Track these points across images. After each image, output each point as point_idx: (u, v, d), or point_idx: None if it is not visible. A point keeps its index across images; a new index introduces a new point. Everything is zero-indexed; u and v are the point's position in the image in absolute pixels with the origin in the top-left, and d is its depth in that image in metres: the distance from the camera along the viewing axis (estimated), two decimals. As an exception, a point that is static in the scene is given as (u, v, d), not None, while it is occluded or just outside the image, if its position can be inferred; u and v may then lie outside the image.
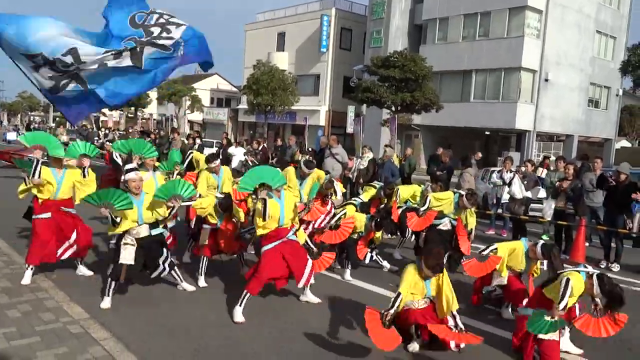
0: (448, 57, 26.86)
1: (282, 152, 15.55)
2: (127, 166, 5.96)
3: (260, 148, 15.99)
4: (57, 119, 61.60)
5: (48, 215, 6.12)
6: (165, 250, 5.87)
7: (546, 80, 25.95)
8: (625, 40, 29.49)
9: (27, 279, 5.96)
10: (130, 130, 24.00)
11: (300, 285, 5.58)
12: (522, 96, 25.54)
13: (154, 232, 5.77)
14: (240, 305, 5.34)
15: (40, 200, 6.13)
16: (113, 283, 5.53)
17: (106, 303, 5.45)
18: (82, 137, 19.54)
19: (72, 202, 6.37)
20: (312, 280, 5.77)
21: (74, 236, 6.31)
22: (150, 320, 5.23)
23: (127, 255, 5.54)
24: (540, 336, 4.44)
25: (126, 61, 6.78)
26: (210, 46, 7.54)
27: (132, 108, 45.66)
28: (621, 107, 32.47)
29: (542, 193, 10.83)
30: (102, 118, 45.05)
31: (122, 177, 5.74)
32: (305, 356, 4.63)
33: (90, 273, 6.52)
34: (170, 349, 4.61)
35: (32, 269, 6.03)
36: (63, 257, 6.29)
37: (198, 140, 19.15)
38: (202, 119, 47.24)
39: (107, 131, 27.00)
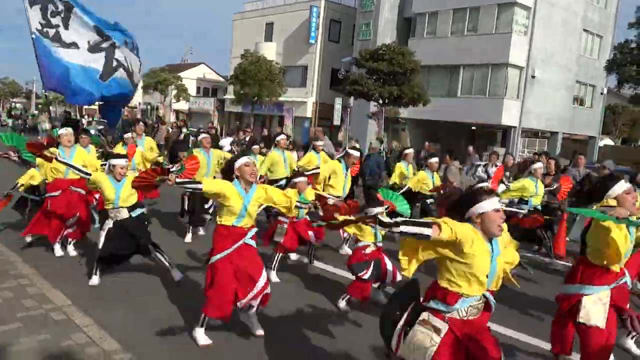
0: (436, 52, 26.88)
1: (268, 142, 15.50)
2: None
3: (247, 138, 15.93)
4: (40, 105, 60.70)
5: (57, 193, 6.53)
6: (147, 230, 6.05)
7: (533, 77, 26.11)
8: (611, 39, 29.73)
9: (58, 252, 6.64)
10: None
11: (241, 304, 4.48)
12: (508, 92, 25.68)
13: (134, 213, 5.88)
14: (201, 326, 4.55)
15: (51, 179, 6.56)
16: (98, 268, 5.78)
17: (95, 280, 5.73)
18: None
19: (83, 182, 6.51)
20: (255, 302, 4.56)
21: (75, 218, 6.61)
22: (134, 308, 5.21)
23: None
24: (582, 320, 3.81)
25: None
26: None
27: (117, 96, 45.14)
28: (605, 106, 32.81)
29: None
30: (85, 105, 44.43)
31: (108, 162, 5.85)
32: (298, 355, 4.63)
33: (74, 253, 6.75)
34: (153, 336, 4.60)
35: (55, 243, 6.63)
36: (61, 234, 6.67)
37: (184, 129, 19.05)
38: (188, 109, 46.83)
39: (90, 119, 26.64)
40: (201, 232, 8.36)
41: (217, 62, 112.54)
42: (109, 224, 5.74)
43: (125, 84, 8.40)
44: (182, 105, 46.70)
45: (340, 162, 7.91)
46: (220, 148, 15.88)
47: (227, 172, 4.60)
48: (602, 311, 3.78)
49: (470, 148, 15.25)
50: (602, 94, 30.78)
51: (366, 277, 5.46)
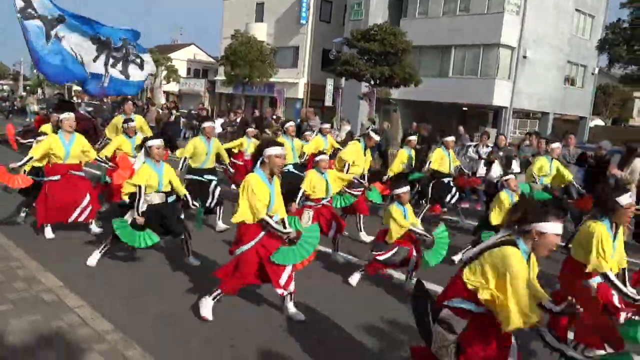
0: (428, 32, 26.71)
1: (259, 123, 15.45)
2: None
3: (238, 119, 15.86)
4: (28, 87, 59.97)
5: (57, 177, 6.50)
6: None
7: (524, 57, 26.07)
8: (603, 19, 29.67)
9: (49, 234, 6.63)
10: (104, 100, 23.51)
11: (280, 291, 4.56)
12: (500, 73, 25.65)
13: (170, 199, 5.86)
14: (213, 299, 4.62)
15: (50, 164, 6.53)
16: (108, 246, 5.73)
17: (93, 260, 5.72)
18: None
19: (80, 166, 6.76)
20: (291, 287, 4.64)
21: (87, 200, 6.64)
22: (126, 290, 5.21)
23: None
24: None
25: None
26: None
27: (107, 78, 44.61)
28: (596, 86, 32.86)
29: (515, 168, 10.99)
30: (75, 87, 43.92)
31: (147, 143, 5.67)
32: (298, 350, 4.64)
33: (99, 230, 6.97)
34: (145, 317, 4.61)
35: (47, 225, 6.60)
36: (79, 220, 6.70)
37: (174, 111, 18.92)
38: (179, 90, 46.45)
39: (79, 100, 26.34)
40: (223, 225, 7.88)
41: (207, 43, 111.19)
42: (143, 207, 5.57)
43: (81, 68, 8.52)
44: (173, 87, 46.31)
45: (359, 141, 8.07)
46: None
47: (256, 155, 4.56)
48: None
49: (461, 128, 15.25)
50: (593, 74, 30.81)
51: (381, 258, 5.44)
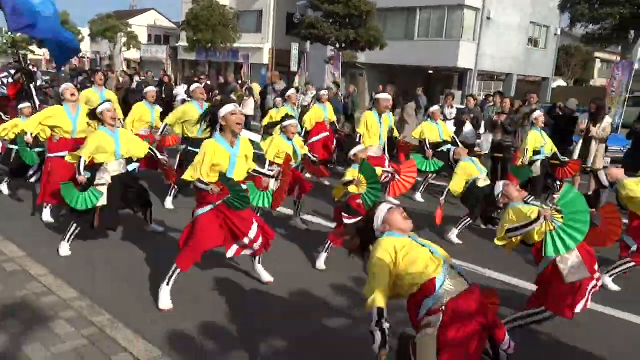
0: (392, -6, 26.50)
1: (225, 90, 15.23)
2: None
3: (202, 85, 15.54)
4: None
5: (64, 153, 5.70)
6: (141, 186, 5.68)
7: (488, 18, 26.15)
8: (564, -21, 29.82)
9: (46, 216, 6.14)
10: (62, 68, 22.68)
11: (230, 255, 4.35)
12: (464, 34, 25.70)
13: (129, 167, 5.52)
14: (168, 284, 4.16)
15: (55, 138, 5.86)
16: (76, 228, 5.12)
17: (64, 249, 5.11)
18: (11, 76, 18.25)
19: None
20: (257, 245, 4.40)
21: None
22: (91, 256, 5.14)
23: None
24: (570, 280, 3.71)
25: None
26: None
27: (64, 45, 43.00)
28: (558, 47, 33.28)
29: (482, 128, 11.13)
30: (30, 57, 42.18)
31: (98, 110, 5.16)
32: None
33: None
34: (114, 282, 4.58)
35: (48, 207, 6.14)
36: None
37: (137, 78, 18.46)
38: (140, 57, 45.15)
39: (35, 69, 25.30)
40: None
41: (168, 8, 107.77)
42: (104, 181, 5.20)
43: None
44: (134, 54, 45.01)
45: (371, 110, 7.37)
46: (175, 97, 15.47)
47: (212, 122, 4.14)
48: (577, 262, 3.71)
49: (419, 89, 15.34)
50: (555, 35, 31.16)
51: (350, 222, 5.01)
